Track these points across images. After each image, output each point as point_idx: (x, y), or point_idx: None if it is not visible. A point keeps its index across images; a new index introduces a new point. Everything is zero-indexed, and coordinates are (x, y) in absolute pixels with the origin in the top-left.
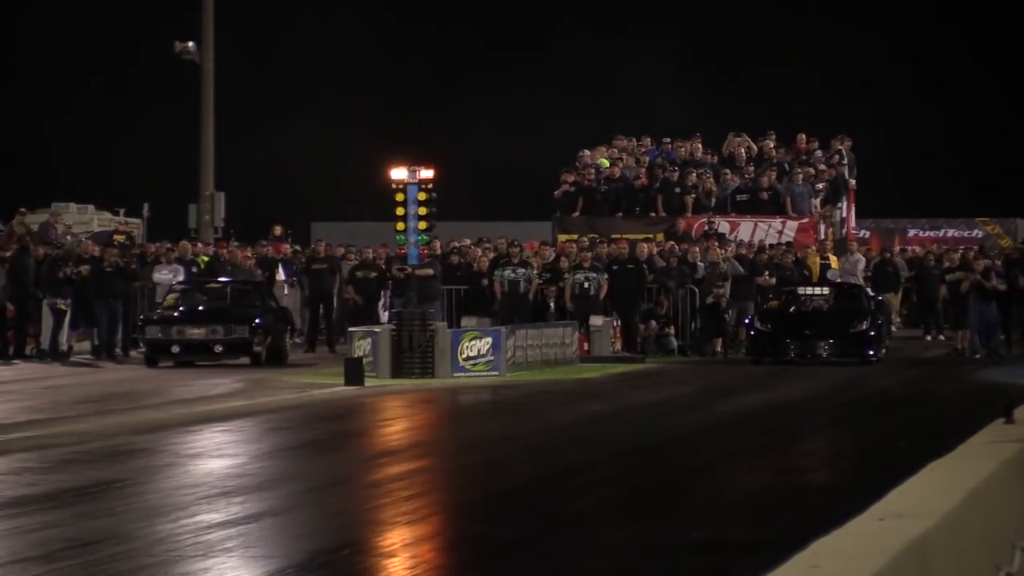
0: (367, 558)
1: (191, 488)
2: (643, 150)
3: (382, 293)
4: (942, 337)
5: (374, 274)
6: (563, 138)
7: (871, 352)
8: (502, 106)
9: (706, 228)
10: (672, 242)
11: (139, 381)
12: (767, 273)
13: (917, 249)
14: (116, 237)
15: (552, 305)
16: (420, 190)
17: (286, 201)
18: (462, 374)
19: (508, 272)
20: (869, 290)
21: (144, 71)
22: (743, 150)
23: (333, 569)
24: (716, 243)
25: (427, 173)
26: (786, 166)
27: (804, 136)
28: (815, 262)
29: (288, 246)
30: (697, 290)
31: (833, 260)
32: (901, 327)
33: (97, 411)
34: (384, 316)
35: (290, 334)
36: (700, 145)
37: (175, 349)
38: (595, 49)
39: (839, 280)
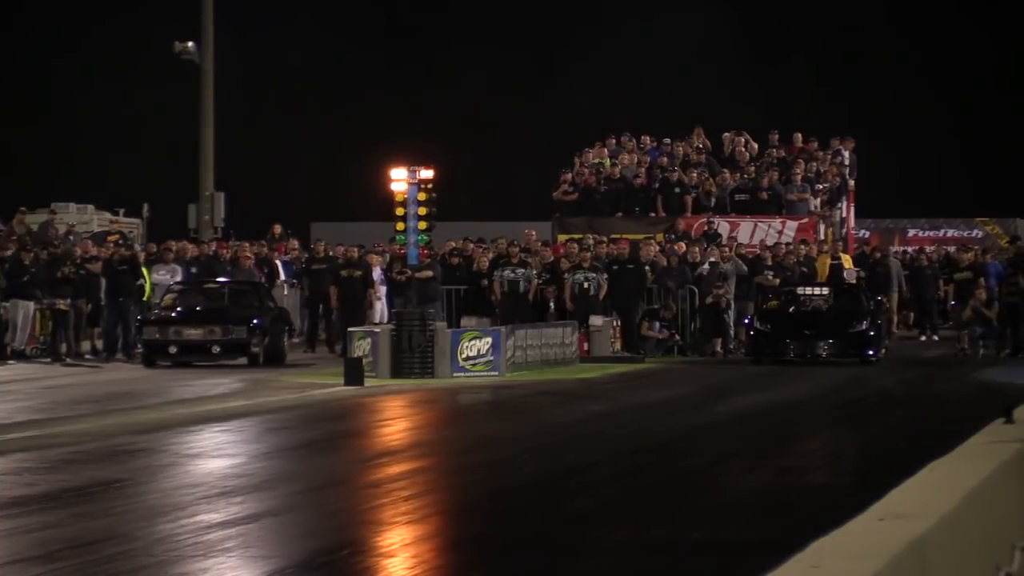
0: (367, 558)
1: (191, 488)
2: (643, 150)
3: (368, 292)
4: (935, 337)
5: (358, 273)
6: (563, 138)
7: (871, 352)
8: (503, 106)
9: (706, 228)
10: (671, 243)
11: (138, 381)
12: (771, 273)
13: (909, 250)
14: (110, 237)
15: (552, 305)
16: (420, 190)
17: (286, 201)
18: (462, 374)
19: (508, 272)
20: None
21: (144, 71)
22: (743, 148)
23: (333, 569)
24: (715, 246)
25: (427, 173)
26: (787, 165)
27: (800, 136)
28: (825, 262)
29: (294, 245)
30: (697, 290)
31: (846, 260)
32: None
33: (96, 411)
34: (378, 316)
35: (288, 335)
36: (702, 131)
37: (173, 350)
38: (596, 48)
39: (854, 281)
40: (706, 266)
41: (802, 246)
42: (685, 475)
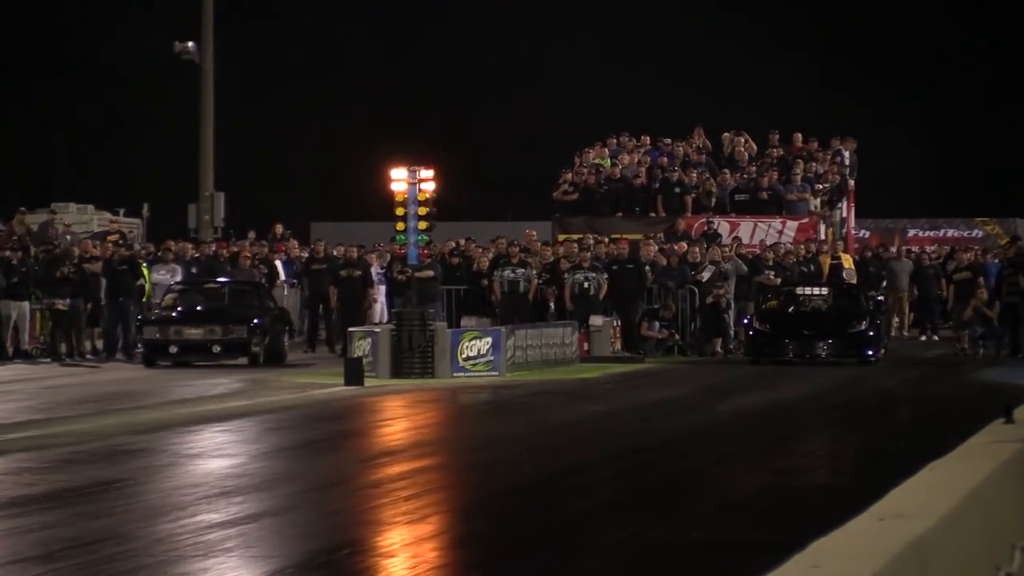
0: (367, 558)
1: (191, 488)
2: (643, 150)
3: (368, 292)
4: (935, 337)
5: (358, 273)
6: (563, 138)
7: (870, 352)
8: (502, 106)
9: (705, 228)
10: (671, 243)
11: (138, 381)
12: (772, 273)
13: (913, 250)
14: (109, 237)
15: (552, 305)
16: (420, 190)
17: (286, 201)
18: (462, 374)
19: (508, 272)
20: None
21: (144, 71)
22: (743, 149)
23: (332, 569)
24: (716, 246)
25: (427, 173)
26: (787, 165)
27: (800, 135)
28: (825, 262)
29: (294, 244)
30: (697, 290)
31: (846, 259)
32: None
33: (96, 411)
34: (378, 316)
35: (288, 335)
36: (702, 131)
37: (173, 349)
38: (596, 47)
39: (854, 281)
40: (705, 273)
41: (802, 246)
42: (685, 475)
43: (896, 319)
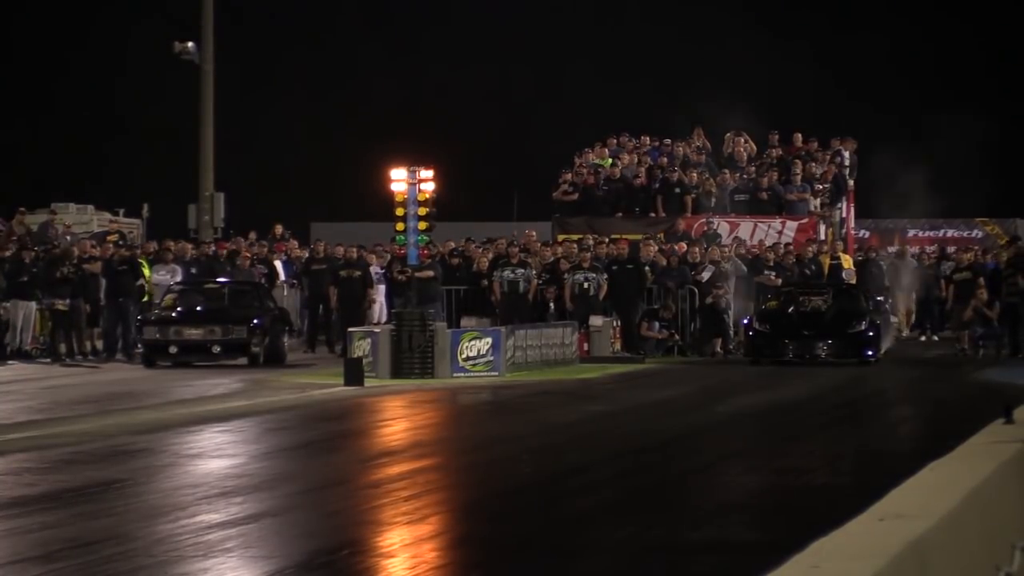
0: (367, 558)
1: (191, 488)
2: (643, 150)
3: (368, 292)
4: (935, 338)
5: (358, 273)
6: (563, 138)
7: (869, 352)
8: (502, 105)
9: (705, 228)
10: (671, 243)
11: (138, 381)
12: (772, 274)
13: (917, 249)
14: (109, 238)
15: (552, 305)
16: (420, 190)
17: (286, 201)
18: (462, 374)
19: (508, 272)
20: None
21: (144, 71)
22: (743, 149)
23: (333, 569)
24: (716, 246)
25: (427, 173)
26: (787, 165)
27: (800, 136)
28: (826, 261)
29: (294, 244)
30: (697, 290)
31: (845, 259)
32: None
33: (96, 411)
34: (377, 316)
35: (288, 335)
36: (702, 131)
37: (173, 350)
38: (596, 48)
39: (853, 281)
40: (705, 273)
41: (807, 246)
42: (685, 475)
43: (894, 318)
